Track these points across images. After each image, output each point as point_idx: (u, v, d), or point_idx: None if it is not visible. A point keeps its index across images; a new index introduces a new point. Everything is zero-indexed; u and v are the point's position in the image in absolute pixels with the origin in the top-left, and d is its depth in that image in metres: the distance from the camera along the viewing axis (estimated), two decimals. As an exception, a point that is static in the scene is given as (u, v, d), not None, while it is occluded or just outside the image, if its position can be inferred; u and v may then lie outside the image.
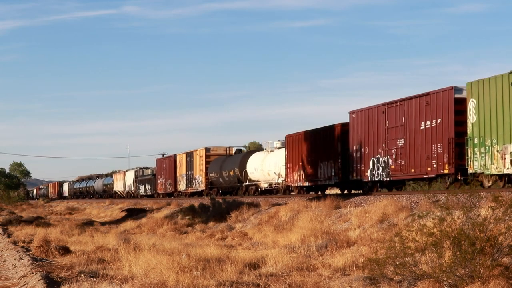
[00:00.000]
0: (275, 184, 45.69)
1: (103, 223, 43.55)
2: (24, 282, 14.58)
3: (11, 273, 16.87)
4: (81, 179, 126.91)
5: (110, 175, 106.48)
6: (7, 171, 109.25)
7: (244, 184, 49.18)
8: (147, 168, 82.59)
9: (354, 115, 35.96)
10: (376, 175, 33.65)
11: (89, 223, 43.33)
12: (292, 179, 42.09)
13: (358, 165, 35.23)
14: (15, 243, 25.11)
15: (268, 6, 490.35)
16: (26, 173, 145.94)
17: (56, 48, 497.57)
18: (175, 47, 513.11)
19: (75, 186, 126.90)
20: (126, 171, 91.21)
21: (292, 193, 43.10)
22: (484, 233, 12.14)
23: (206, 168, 57.10)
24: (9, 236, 29.68)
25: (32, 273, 15.25)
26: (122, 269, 15.68)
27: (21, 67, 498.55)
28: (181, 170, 64.16)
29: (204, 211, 38.17)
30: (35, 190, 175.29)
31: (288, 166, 42.58)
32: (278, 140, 46.57)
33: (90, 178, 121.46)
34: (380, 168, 33.36)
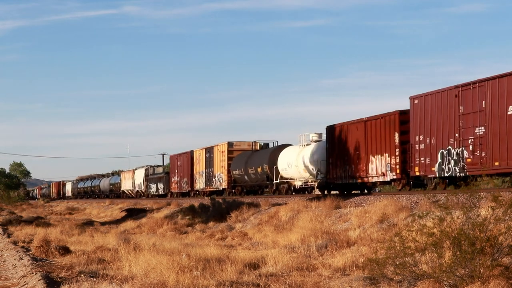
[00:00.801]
0: (312, 182, 40.92)
1: (103, 223, 43.57)
2: (24, 282, 14.59)
3: (11, 273, 16.87)
4: (85, 179, 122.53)
5: (117, 173, 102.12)
6: (7, 171, 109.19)
7: (274, 182, 43.82)
8: (158, 166, 79.15)
9: (416, 101, 31.03)
10: (446, 170, 28.83)
11: (89, 223, 43.37)
12: (335, 175, 37.12)
13: (422, 158, 30.29)
14: (15, 243, 25.12)
15: (268, 6, 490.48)
16: (26, 173, 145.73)
17: (56, 48, 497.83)
18: (175, 47, 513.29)
19: (79, 186, 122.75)
20: (136, 169, 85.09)
21: (332, 192, 38.00)
22: (484, 233, 12.14)
23: (229, 165, 51.58)
24: (9, 236, 29.69)
25: (32, 273, 15.25)
26: (122, 269, 15.68)
27: (22, 67, 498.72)
28: (199, 167, 58.68)
29: (204, 211, 38.18)
30: (36, 190, 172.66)
31: (330, 161, 37.66)
32: (315, 133, 41.53)
33: (94, 177, 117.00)
34: (452, 161, 28.53)
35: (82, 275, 14.90)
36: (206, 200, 44.79)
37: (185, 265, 14.68)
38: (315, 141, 41.03)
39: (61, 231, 30.10)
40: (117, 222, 44.40)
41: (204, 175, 57.23)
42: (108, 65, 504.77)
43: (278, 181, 43.64)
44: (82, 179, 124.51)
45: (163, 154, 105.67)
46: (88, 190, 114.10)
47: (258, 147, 50.40)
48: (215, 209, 36.93)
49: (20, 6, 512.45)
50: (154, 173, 76.83)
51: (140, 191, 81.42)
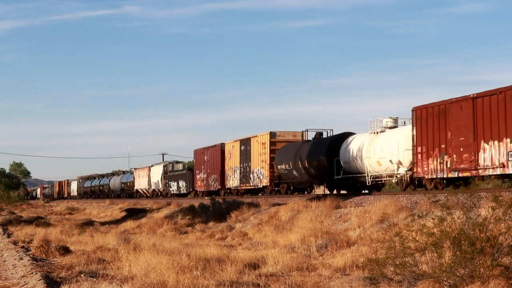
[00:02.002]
0: (388, 176, 33.89)
1: (103, 223, 43.58)
2: (24, 282, 14.59)
3: (11, 273, 16.87)
4: (92, 177, 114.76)
5: (129, 172, 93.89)
6: (7, 171, 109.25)
7: (336, 177, 37.13)
8: (178, 162, 72.63)
9: None
10: None
11: (89, 223, 43.37)
12: (426, 168, 30.36)
13: None
14: (15, 243, 25.12)
15: (268, 6, 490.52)
16: (26, 173, 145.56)
17: (56, 48, 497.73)
18: (175, 47, 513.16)
19: (85, 185, 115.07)
20: (152, 166, 77.47)
21: (423, 188, 31.32)
22: (484, 233, 12.14)
23: (271, 159, 44.10)
24: (9, 236, 29.69)
25: (32, 273, 15.26)
26: (122, 269, 15.68)
27: (21, 67, 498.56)
28: (232, 162, 50.80)
29: (204, 211, 38.19)
30: (38, 190, 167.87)
31: (419, 150, 30.78)
32: (390, 117, 34.81)
33: (103, 176, 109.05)
34: None
35: (82, 275, 14.90)
36: (206, 200, 44.75)
37: (185, 265, 14.68)
38: (390, 127, 34.56)
39: (61, 231, 30.11)
40: (117, 222, 44.40)
41: (238, 171, 49.47)
42: (108, 65, 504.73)
43: (340, 176, 36.95)
44: (88, 178, 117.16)
45: (163, 154, 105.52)
46: (96, 190, 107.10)
47: (306, 137, 42.78)
48: (215, 209, 36.94)
49: (20, 6, 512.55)
50: (173, 170, 69.99)
51: (157, 190, 74.20)
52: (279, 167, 42.93)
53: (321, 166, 38.27)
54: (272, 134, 44.83)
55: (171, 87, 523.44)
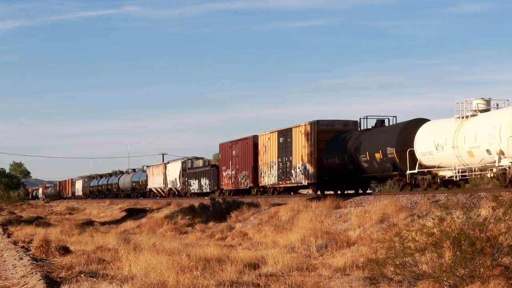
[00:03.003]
0: (480, 170, 28.04)
1: (103, 223, 43.59)
2: (24, 282, 14.59)
3: (11, 273, 16.87)
4: (99, 176, 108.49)
5: (141, 169, 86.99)
6: (7, 171, 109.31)
7: (409, 172, 31.02)
8: (197, 158, 66.40)
9: None
10: None
11: (89, 223, 43.37)
12: None
13: None
14: (15, 243, 25.12)
15: (268, 6, 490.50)
16: (26, 173, 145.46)
17: (57, 48, 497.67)
18: (175, 47, 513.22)
19: (91, 184, 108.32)
20: (168, 163, 71.31)
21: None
22: (484, 233, 12.14)
23: (318, 151, 38.09)
24: (9, 236, 29.69)
25: (32, 273, 15.26)
26: (122, 269, 15.68)
27: (22, 67, 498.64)
28: (268, 156, 44.10)
29: (204, 211, 38.19)
30: (40, 189, 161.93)
31: None
32: (482, 98, 29.13)
33: (111, 174, 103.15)
34: None
35: (82, 275, 14.91)
36: (206, 200, 44.72)
37: (185, 265, 14.68)
38: (482, 111, 28.79)
39: (61, 231, 30.11)
40: (117, 222, 44.40)
41: (276, 166, 42.87)
42: (108, 65, 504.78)
43: (415, 171, 30.79)
44: (94, 177, 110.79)
45: (163, 154, 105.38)
46: (103, 189, 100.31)
47: (359, 126, 37.70)
48: (215, 209, 36.94)
49: (20, 6, 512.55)
50: (193, 167, 63.90)
51: (174, 188, 67.38)
52: (329, 161, 37.13)
53: (387, 159, 32.26)
54: (319, 123, 38.68)
55: (171, 87, 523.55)
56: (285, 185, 42.36)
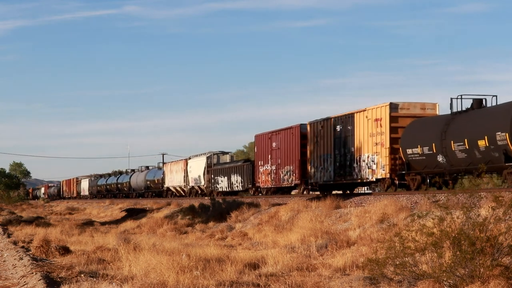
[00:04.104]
0: None
1: (103, 223, 43.60)
2: (24, 282, 14.59)
3: (11, 273, 16.88)
4: (107, 175, 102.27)
5: (157, 167, 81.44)
6: (7, 171, 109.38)
7: None
8: (224, 152, 60.67)
9: None
10: None
11: (89, 223, 43.38)
12: None
13: None
14: (15, 243, 25.12)
15: (269, 6, 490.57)
16: (26, 173, 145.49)
17: (57, 48, 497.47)
18: (175, 47, 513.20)
19: (99, 183, 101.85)
20: (189, 158, 64.00)
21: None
22: (484, 233, 12.14)
23: (392, 140, 32.29)
24: (9, 236, 29.69)
25: (32, 273, 15.26)
26: (122, 269, 15.69)
27: (22, 67, 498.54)
28: (320, 147, 38.31)
29: (204, 211, 38.20)
30: (42, 189, 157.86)
31: None
32: None
33: (121, 172, 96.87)
34: None
35: (82, 275, 14.91)
36: (206, 200, 44.70)
37: (185, 265, 14.69)
38: None
39: (61, 231, 30.11)
40: (117, 222, 44.41)
41: (331, 160, 37.19)
42: (108, 65, 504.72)
43: None
44: (102, 175, 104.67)
45: (163, 154, 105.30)
46: (113, 188, 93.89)
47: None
48: (215, 209, 36.95)
49: (21, 6, 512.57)
50: (219, 162, 58.11)
51: (197, 187, 61.33)
52: (409, 151, 30.84)
53: (496, 147, 26.10)
54: (393, 106, 32.71)
55: (171, 87, 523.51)
56: (345, 181, 36.53)
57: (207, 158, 59.10)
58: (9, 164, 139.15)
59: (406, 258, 12.59)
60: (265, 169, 45.33)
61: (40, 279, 13.99)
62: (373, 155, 33.33)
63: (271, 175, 44.43)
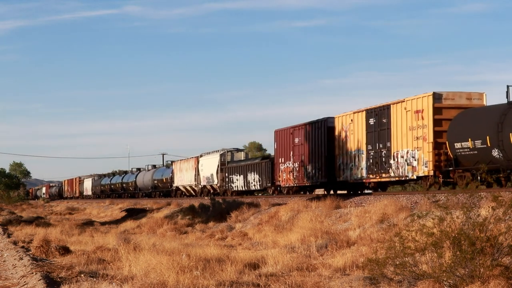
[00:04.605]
0: None
1: (103, 223, 43.59)
2: (24, 282, 14.59)
3: (11, 273, 16.88)
4: (112, 174, 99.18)
5: (166, 165, 76.27)
6: (7, 171, 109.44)
7: None
8: (238, 150, 57.79)
9: None
10: None
11: (89, 223, 43.38)
12: None
13: None
14: (15, 243, 25.12)
15: (269, 6, 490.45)
16: (26, 173, 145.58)
17: (57, 48, 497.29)
18: (176, 47, 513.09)
19: (103, 182, 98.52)
20: (201, 156, 60.64)
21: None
22: (484, 233, 12.14)
23: (436, 134, 29.69)
24: (9, 236, 29.69)
25: (32, 273, 15.26)
26: (122, 269, 15.69)
27: (22, 67, 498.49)
28: (350, 143, 35.73)
29: (204, 211, 38.19)
30: (44, 189, 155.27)
31: None
32: None
33: (126, 171, 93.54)
34: None
35: (82, 275, 14.91)
36: (206, 200, 44.68)
37: (185, 265, 14.69)
38: None
39: (61, 231, 30.11)
40: (117, 222, 44.40)
41: (363, 156, 34.57)
42: (109, 65, 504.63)
43: None
44: (106, 175, 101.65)
45: (163, 154, 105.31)
46: (118, 188, 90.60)
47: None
48: (215, 209, 36.95)
49: (20, 6, 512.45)
50: (234, 160, 55.26)
51: (210, 186, 58.13)
52: (457, 145, 28.24)
53: None
54: (437, 97, 29.99)
55: (171, 87, 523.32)
56: (380, 179, 33.60)
57: (221, 155, 55.97)
58: (9, 164, 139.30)
59: (406, 258, 12.59)
60: (287, 166, 42.29)
61: (40, 279, 13.99)
62: (414, 150, 30.73)
63: (293, 173, 41.44)
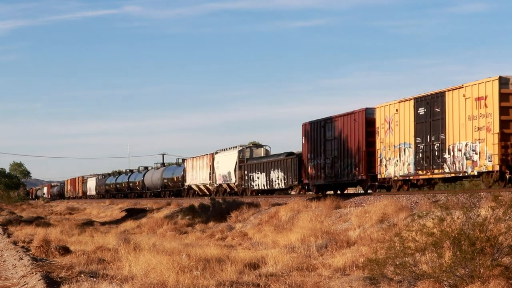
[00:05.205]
0: None
1: (103, 223, 43.59)
2: (24, 282, 14.59)
3: (11, 273, 16.88)
4: (117, 173, 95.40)
5: (176, 164, 72.84)
6: (7, 171, 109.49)
7: None
8: (258, 146, 54.89)
9: None
10: None
11: (89, 223, 43.37)
12: None
13: None
14: (15, 243, 25.12)
15: (269, 6, 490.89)
16: (26, 173, 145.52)
17: (57, 48, 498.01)
18: (176, 47, 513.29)
19: (108, 182, 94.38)
20: (216, 153, 57.04)
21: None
22: (484, 233, 12.14)
23: (503, 124, 26.42)
24: (9, 236, 29.68)
25: (32, 273, 15.26)
26: (122, 269, 15.68)
27: (22, 67, 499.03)
28: (395, 135, 32.20)
29: (204, 211, 38.19)
30: (45, 189, 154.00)
31: None
32: None
33: (132, 170, 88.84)
34: None
35: (82, 275, 14.91)
36: (206, 200, 44.64)
37: (185, 265, 14.68)
38: None
39: (61, 231, 30.10)
40: (117, 222, 44.40)
41: (410, 150, 31.08)
42: (109, 65, 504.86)
43: None
44: (111, 174, 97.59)
45: (163, 154, 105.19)
46: (124, 187, 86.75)
47: None
48: (215, 209, 36.95)
49: (21, 6, 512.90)
50: (253, 157, 51.53)
51: (227, 185, 54.38)
52: None
53: None
54: (503, 81, 26.44)
55: (171, 87, 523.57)
56: (431, 176, 30.03)
57: (239, 152, 52.13)
58: (9, 164, 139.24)
59: (406, 258, 12.59)
60: (316, 163, 38.82)
61: (40, 279, 13.99)
62: (474, 142, 27.34)
63: (324, 170, 38.01)
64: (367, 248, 17.92)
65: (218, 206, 37.32)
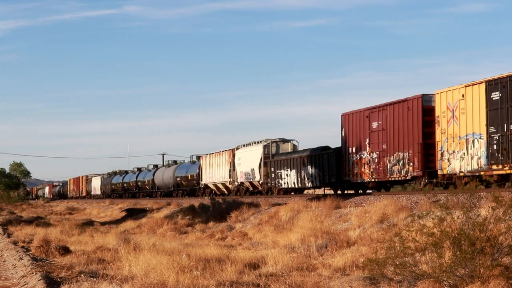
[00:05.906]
0: None
1: (103, 223, 43.60)
2: (24, 282, 14.59)
3: (11, 273, 16.88)
4: (124, 172, 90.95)
5: (191, 161, 66.42)
6: (7, 171, 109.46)
7: None
8: (285, 140, 48.87)
9: None
10: None
11: (89, 223, 43.39)
12: None
13: None
14: (15, 243, 25.12)
15: (269, 6, 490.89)
16: (26, 173, 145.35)
17: (57, 48, 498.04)
18: (176, 47, 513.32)
19: (114, 181, 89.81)
20: (236, 148, 52.39)
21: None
22: (484, 233, 12.14)
23: None
24: (9, 236, 29.69)
25: (32, 273, 15.26)
26: (122, 269, 15.68)
27: (22, 67, 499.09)
28: (460, 125, 28.09)
29: (204, 211, 38.20)
30: (47, 188, 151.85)
31: None
32: None
33: (140, 169, 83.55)
34: None
35: (82, 275, 14.91)
36: (206, 200, 44.65)
37: (185, 265, 14.69)
38: None
39: (61, 231, 30.11)
40: (117, 222, 44.41)
41: (481, 141, 26.83)
42: (109, 65, 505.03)
43: None
44: (118, 172, 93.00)
45: (163, 154, 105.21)
46: (131, 187, 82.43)
47: None
48: (215, 209, 36.95)
49: (21, 6, 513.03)
50: (280, 152, 47.03)
51: (249, 183, 49.78)
52: None
53: None
54: None
55: (171, 87, 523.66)
56: (509, 171, 25.54)
57: (264, 147, 47.49)
58: (9, 164, 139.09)
59: (406, 258, 12.59)
60: (360, 157, 35.08)
61: (40, 279, 13.99)
62: None
63: (370, 166, 34.20)
64: (367, 248, 17.92)
65: (218, 206, 37.33)
